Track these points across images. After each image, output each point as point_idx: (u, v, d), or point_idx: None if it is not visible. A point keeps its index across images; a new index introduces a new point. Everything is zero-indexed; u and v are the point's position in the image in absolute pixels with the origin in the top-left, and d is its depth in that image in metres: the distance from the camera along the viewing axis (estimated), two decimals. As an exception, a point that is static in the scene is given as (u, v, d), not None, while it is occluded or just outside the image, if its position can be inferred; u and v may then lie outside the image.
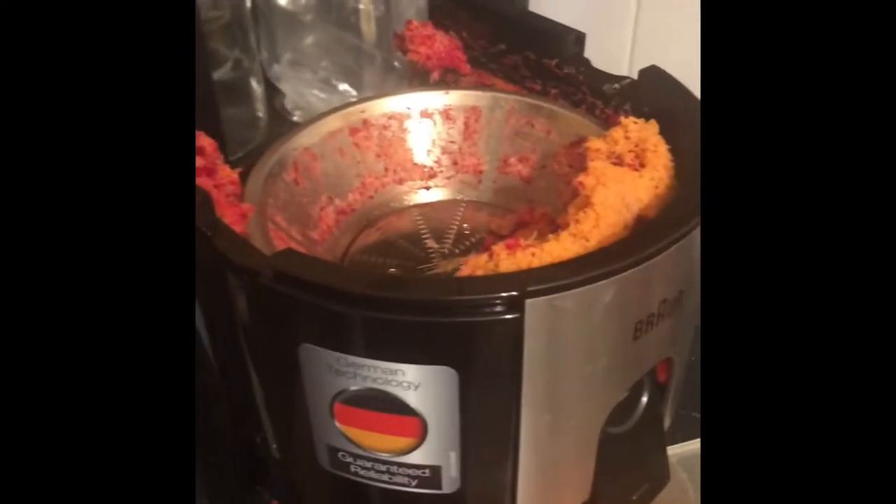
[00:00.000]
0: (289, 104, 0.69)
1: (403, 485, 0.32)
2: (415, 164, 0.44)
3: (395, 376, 0.28)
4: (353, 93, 0.67)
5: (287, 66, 0.69)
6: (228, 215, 0.33)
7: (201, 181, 0.34)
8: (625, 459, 0.35)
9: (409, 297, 0.27)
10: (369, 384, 0.29)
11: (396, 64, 0.65)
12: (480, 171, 0.44)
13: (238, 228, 0.33)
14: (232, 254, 0.30)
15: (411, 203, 0.44)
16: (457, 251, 0.41)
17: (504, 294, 0.26)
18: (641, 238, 0.29)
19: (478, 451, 0.31)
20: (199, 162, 0.36)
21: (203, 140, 0.37)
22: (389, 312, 0.27)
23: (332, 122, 0.42)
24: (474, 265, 0.29)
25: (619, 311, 0.28)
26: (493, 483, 0.32)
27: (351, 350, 0.28)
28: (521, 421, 0.30)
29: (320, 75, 0.69)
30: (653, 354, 0.32)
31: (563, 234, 0.29)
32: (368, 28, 0.65)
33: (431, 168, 0.44)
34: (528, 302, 0.26)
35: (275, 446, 0.36)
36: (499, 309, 0.26)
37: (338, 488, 0.34)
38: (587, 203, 0.31)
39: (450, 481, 0.31)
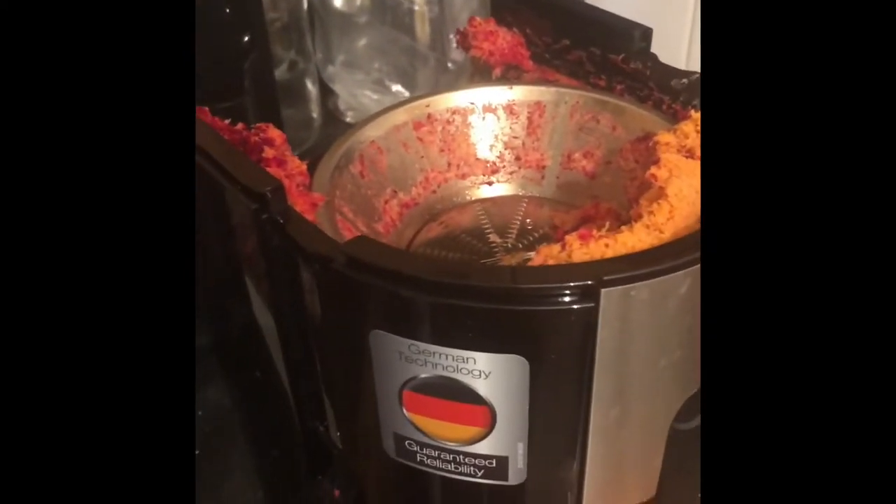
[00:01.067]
0: (342, 105, 0.70)
1: (469, 475, 0.32)
2: (477, 159, 0.44)
3: (466, 364, 0.28)
4: (406, 94, 0.68)
5: (341, 68, 0.70)
6: (300, 204, 0.34)
7: (273, 171, 0.35)
8: (691, 457, 0.34)
9: (483, 284, 0.27)
10: (439, 372, 0.29)
11: (450, 65, 0.65)
12: (543, 167, 0.44)
13: (309, 217, 0.33)
14: (305, 241, 0.30)
15: (473, 198, 0.44)
16: (520, 246, 0.41)
17: (580, 283, 0.26)
18: (717, 230, 0.28)
19: (545, 443, 0.31)
20: (270, 153, 0.36)
21: (272, 132, 0.38)
22: (462, 299, 0.27)
23: (398, 116, 0.42)
24: (546, 255, 0.29)
25: (694, 302, 0.28)
26: (558, 477, 0.32)
27: (422, 337, 0.28)
28: (591, 413, 0.30)
29: (373, 76, 0.70)
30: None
31: (637, 226, 0.29)
32: (423, 29, 0.66)
33: (494, 163, 0.44)
34: (604, 291, 0.26)
35: (338, 435, 0.37)
36: (573, 298, 0.26)
37: (402, 477, 0.34)
38: (661, 195, 0.30)
39: (516, 473, 0.31)
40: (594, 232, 0.29)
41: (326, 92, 0.69)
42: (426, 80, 0.67)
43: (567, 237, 0.29)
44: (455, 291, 0.27)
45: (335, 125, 0.70)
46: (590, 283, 0.26)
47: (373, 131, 0.41)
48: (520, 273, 0.27)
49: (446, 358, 0.28)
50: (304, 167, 0.37)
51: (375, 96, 0.69)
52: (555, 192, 0.44)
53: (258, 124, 0.38)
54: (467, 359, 0.28)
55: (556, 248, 0.29)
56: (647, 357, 0.29)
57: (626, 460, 0.32)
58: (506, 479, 0.32)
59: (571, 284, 0.26)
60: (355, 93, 0.70)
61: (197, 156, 0.34)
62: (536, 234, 0.41)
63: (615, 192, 0.41)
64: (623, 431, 0.31)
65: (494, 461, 0.31)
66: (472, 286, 0.27)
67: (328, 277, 0.30)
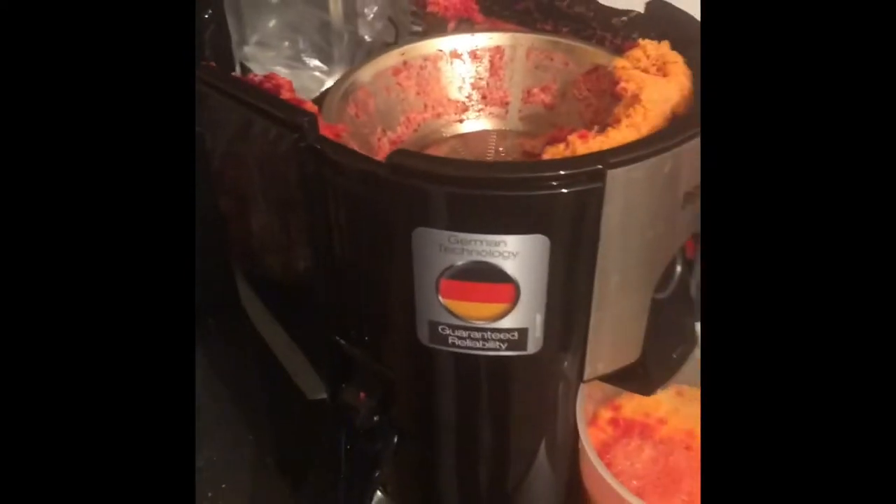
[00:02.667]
0: None
1: (494, 349, 0.38)
2: (449, 100, 0.50)
3: (497, 247, 0.34)
4: (325, 68, 0.72)
5: (255, 47, 0.74)
6: (327, 135, 0.38)
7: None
8: (666, 323, 0.42)
9: (515, 175, 0.33)
10: (474, 257, 0.35)
11: (366, 38, 0.70)
12: (507, 103, 0.50)
13: (335, 145, 0.38)
14: (347, 160, 0.35)
15: (449, 134, 0.50)
16: (498, 169, 0.47)
17: (590, 168, 0.33)
18: (685, 122, 0.36)
19: (558, 313, 0.37)
20: (286, 95, 0.41)
21: (280, 79, 0.43)
22: (496, 190, 0.33)
23: (379, 63, 0.48)
24: (553, 153, 0.35)
25: (673, 182, 0.35)
26: (567, 342, 0.39)
27: (461, 227, 0.34)
28: (594, 282, 0.36)
29: (285, 53, 0.74)
30: (690, 225, 0.39)
31: (622, 126, 0.36)
32: (335, 6, 0.71)
33: (464, 103, 0.50)
34: (609, 173, 0.33)
35: (367, 339, 0.42)
36: (585, 180, 0.33)
37: (432, 362, 0.40)
38: (636, 101, 0.37)
39: (534, 342, 0.38)
40: (589, 133, 0.36)
41: (245, 72, 0.73)
42: (342, 54, 0.71)
43: (569, 137, 0.35)
44: (490, 184, 0.33)
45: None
46: (598, 167, 0.33)
47: (361, 77, 0.46)
48: (541, 165, 0.34)
49: (482, 244, 0.34)
50: (317, 109, 0.42)
51: (287, 71, 0.73)
52: (518, 124, 0.50)
53: (266, 73, 0.43)
54: (500, 242, 0.34)
55: (560, 147, 0.35)
56: (639, 229, 0.36)
57: (620, 325, 0.39)
58: (525, 349, 0.38)
59: (584, 169, 0.33)
60: (270, 69, 0.74)
61: (228, 98, 0.39)
62: (509, 161, 0.48)
63: (571, 118, 0.48)
64: (619, 298, 0.38)
65: (516, 333, 0.37)
66: (504, 178, 0.33)
67: (373, 188, 0.35)
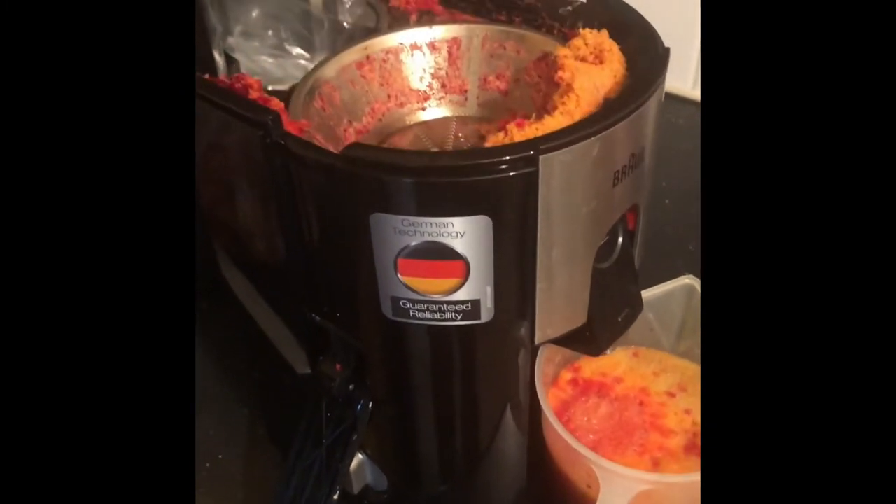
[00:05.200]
0: (244, 71, 0.75)
1: (451, 319, 0.42)
2: (411, 90, 0.54)
3: (446, 228, 0.38)
4: (307, 55, 0.75)
5: (240, 37, 0.77)
6: (291, 130, 0.42)
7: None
8: (610, 290, 0.46)
9: (457, 163, 0.37)
10: (426, 238, 0.39)
11: (346, 25, 0.73)
12: (465, 91, 0.54)
13: (299, 140, 0.42)
14: (308, 153, 0.39)
15: (412, 122, 0.54)
16: (457, 154, 0.51)
17: (524, 154, 0.36)
18: (612, 108, 0.39)
19: (506, 284, 0.41)
20: (254, 94, 0.45)
21: (250, 80, 0.46)
22: (442, 177, 0.37)
23: (343, 59, 0.51)
24: (494, 140, 0.39)
25: (603, 162, 0.39)
26: (516, 311, 0.43)
27: (412, 212, 0.38)
28: (537, 256, 0.40)
29: (270, 42, 0.77)
30: (625, 199, 0.43)
31: (556, 113, 0.40)
32: None
33: (425, 92, 0.54)
34: (542, 158, 0.37)
35: (338, 315, 0.46)
36: (521, 165, 0.37)
37: (398, 334, 0.44)
38: (569, 90, 0.41)
39: (486, 311, 0.42)
40: (526, 121, 0.39)
41: (229, 62, 0.76)
42: (324, 41, 0.74)
43: (507, 125, 0.39)
44: (436, 172, 0.37)
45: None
46: (531, 153, 0.36)
47: (325, 73, 0.50)
48: (480, 152, 0.37)
49: (431, 226, 0.38)
50: (283, 105, 0.45)
51: (272, 60, 0.76)
52: (476, 111, 0.54)
53: (235, 74, 0.47)
54: (447, 223, 0.38)
55: (500, 135, 0.39)
56: (574, 207, 0.39)
57: (565, 293, 0.43)
58: (479, 318, 0.42)
59: (518, 155, 0.36)
60: (255, 59, 0.77)
61: (202, 101, 0.42)
62: (469, 145, 0.51)
63: (525, 103, 0.52)
64: (561, 269, 0.42)
65: (470, 304, 0.41)
66: (448, 166, 0.37)
67: (331, 178, 0.39)
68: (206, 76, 0.47)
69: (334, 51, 0.63)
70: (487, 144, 0.39)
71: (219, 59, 0.75)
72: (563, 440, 0.46)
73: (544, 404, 0.47)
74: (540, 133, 0.39)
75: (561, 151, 0.37)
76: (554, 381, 0.55)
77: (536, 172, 0.37)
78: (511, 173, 0.37)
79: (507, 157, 0.36)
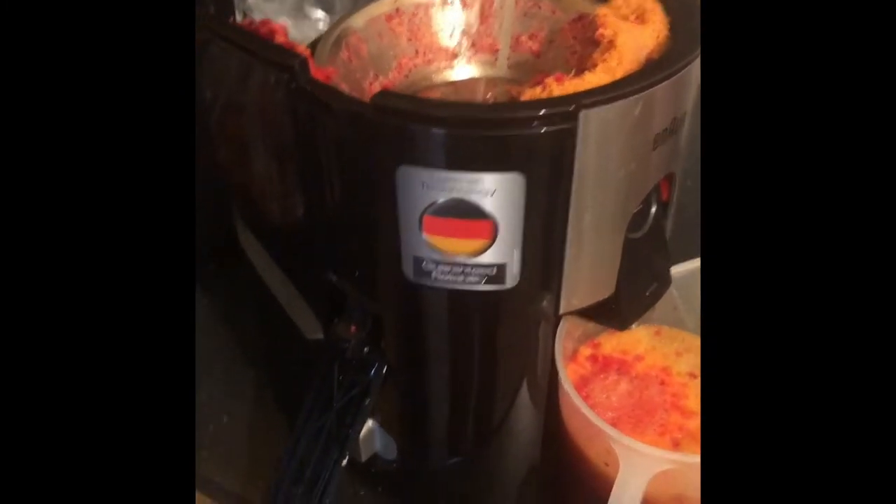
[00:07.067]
0: None
1: (474, 283, 0.40)
2: (440, 47, 0.52)
3: (476, 185, 0.36)
4: (327, 18, 0.73)
5: None
6: (318, 77, 0.40)
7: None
8: (639, 261, 0.44)
9: (493, 115, 0.35)
10: (454, 194, 0.37)
11: None
12: (496, 50, 0.52)
13: (325, 87, 0.40)
14: (335, 101, 0.37)
15: (439, 81, 0.52)
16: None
17: (564, 108, 0.34)
18: (656, 67, 0.37)
19: (534, 249, 0.39)
20: (280, 39, 0.43)
21: (274, 24, 0.44)
22: (475, 129, 0.35)
23: (372, 10, 0.49)
24: (531, 95, 0.37)
25: (644, 124, 0.37)
26: (543, 277, 0.41)
27: (442, 165, 0.36)
28: (569, 220, 0.39)
29: (290, 3, 0.75)
30: (662, 166, 0.41)
31: (597, 69, 0.38)
32: None
33: (454, 50, 0.52)
34: (582, 113, 0.35)
35: (356, 274, 0.44)
36: (559, 120, 0.35)
37: (418, 296, 0.42)
38: (611, 46, 0.39)
39: (512, 277, 0.40)
40: (566, 76, 0.37)
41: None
42: (344, 4, 0.72)
43: (546, 80, 0.37)
44: (468, 124, 0.35)
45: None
46: (571, 108, 0.35)
47: (353, 23, 0.48)
48: (517, 105, 0.36)
49: (461, 182, 0.36)
50: (309, 52, 0.43)
51: (291, 21, 0.74)
52: (506, 72, 0.52)
53: (261, 20, 0.45)
54: (478, 180, 0.36)
55: (537, 89, 0.37)
56: (612, 169, 0.38)
57: (594, 262, 0.42)
58: (503, 283, 0.40)
59: (558, 110, 0.35)
60: (274, 20, 0.75)
61: (226, 43, 0.40)
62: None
63: (558, 65, 0.50)
64: (593, 236, 0.40)
65: (495, 268, 0.40)
66: (482, 118, 0.35)
67: (360, 127, 0.37)
68: (231, 19, 0.45)
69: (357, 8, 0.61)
70: (524, 98, 0.37)
71: (238, 17, 0.73)
72: (582, 415, 0.45)
73: (564, 378, 0.46)
74: (580, 89, 0.37)
75: (602, 108, 0.35)
76: (573, 356, 0.53)
77: (575, 129, 0.35)
78: (549, 128, 0.35)
79: (546, 111, 0.35)
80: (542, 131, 0.35)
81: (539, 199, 0.37)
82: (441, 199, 0.37)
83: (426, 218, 0.38)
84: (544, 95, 0.37)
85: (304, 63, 0.38)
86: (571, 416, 0.48)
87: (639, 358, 0.54)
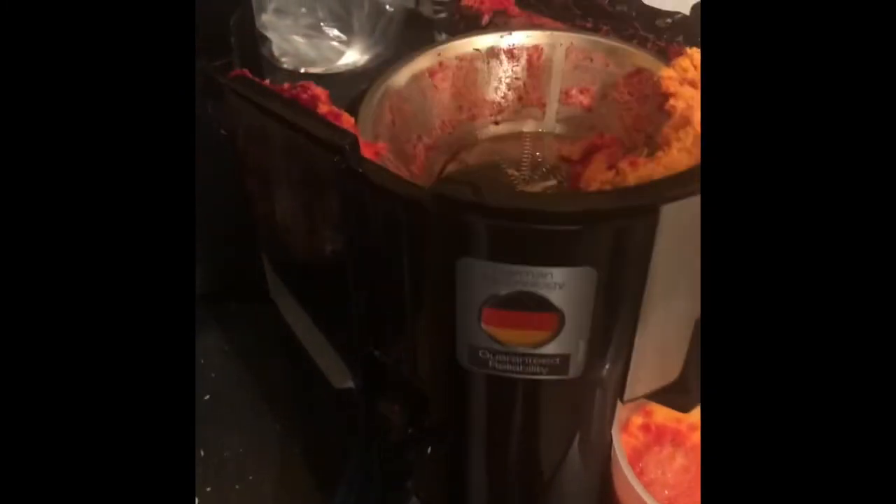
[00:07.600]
0: (276, 51, 0.71)
1: (535, 373, 0.37)
2: (485, 101, 0.49)
3: (544, 279, 0.33)
4: (344, 38, 0.71)
5: (273, 15, 0.72)
6: (366, 154, 0.37)
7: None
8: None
9: (563, 209, 0.32)
10: (519, 287, 0.34)
11: (387, 7, 0.68)
12: (544, 104, 0.49)
13: (374, 164, 0.37)
14: (389, 184, 0.34)
15: (483, 137, 0.49)
16: (535, 177, 0.46)
17: (644, 202, 0.32)
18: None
19: (602, 340, 0.36)
20: (323, 108, 0.40)
21: (316, 89, 0.41)
22: (543, 224, 0.32)
23: (414, 66, 0.46)
24: (602, 181, 0.34)
25: (725, 212, 0.34)
26: (610, 367, 0.38)
27: (508, 259, 0.33)
28: (641, 312, 0.36)
29: (305, 21, 0.72)
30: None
31: (673, 149, 0.35)
32: None
33: (500, 104, 0.49)
34: (663, 208, 0.32)
35: (404, 354, 0.41)
36: (640, 214, 0.32)
37: (471, 381, 0.39)
38: (686, 122, 0.36)
39: (576, 367, 0.37)
40: (639, 159, 0.34)
41: (262, 39, 0.71)
42: (362, 24, 0.69)
43: (619, 164, 0.34)
44: (536, 217, 0.32)
45: (274, 72, 0.72)
46: (653, 201, 0.32)
47: (396, 81, 0.45)
48: (594, 197, 0.33)
49: (527, 275, 0.33)
50: (353, 120, 0.40)
51: (305, 40, 0.71)
52: (555, 127, 0.49)
53: (300, 83, 0.42)
54: (545, 274, 0.33)
55: (610, 174, 0.34)
56: (688, 261, 0.35)
57: (663, 349, 0.39)
58: (566, 374, 0.37)
59: (638, 204, 0.32)
60: (288, 38, 0.72)
61: (272, 120, 0.37)
62: (547, 166, 0.47)
63: (611, 122, 0.47)
64: (664, 326, 0.37)
65: (558, 359, 0.37)
66: (552, 212, 0.32)
67: (417, 216, 0.34)
68: (267, 82, 0.42)
69: (373, 34, 0.58)
70: (590, 186, 0.34)
71: (262, 48, 0.70)
72: (637, 496, 0.42)
73: (622, 459, 0.43)
74: (657, 173, 0.34)
75: (685, 201, 0.32)
76: (625, 425, 0.50)
77: (656, 223, 0.32)
78: (627, 223, 0.32)
79: (627, 205, 0.32)
80: (621, 226, 0.32)
81: (611, 292, 0.35)
82: (504, 292, 0.34)
83: (486, 310, 0.35)
84: (619, 182, 0.34)
85: (354, 143, 0.35)
86: (628, 496, 0.45)
87: (693, 427, 0.51)
